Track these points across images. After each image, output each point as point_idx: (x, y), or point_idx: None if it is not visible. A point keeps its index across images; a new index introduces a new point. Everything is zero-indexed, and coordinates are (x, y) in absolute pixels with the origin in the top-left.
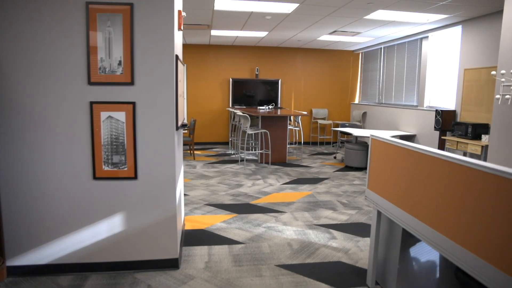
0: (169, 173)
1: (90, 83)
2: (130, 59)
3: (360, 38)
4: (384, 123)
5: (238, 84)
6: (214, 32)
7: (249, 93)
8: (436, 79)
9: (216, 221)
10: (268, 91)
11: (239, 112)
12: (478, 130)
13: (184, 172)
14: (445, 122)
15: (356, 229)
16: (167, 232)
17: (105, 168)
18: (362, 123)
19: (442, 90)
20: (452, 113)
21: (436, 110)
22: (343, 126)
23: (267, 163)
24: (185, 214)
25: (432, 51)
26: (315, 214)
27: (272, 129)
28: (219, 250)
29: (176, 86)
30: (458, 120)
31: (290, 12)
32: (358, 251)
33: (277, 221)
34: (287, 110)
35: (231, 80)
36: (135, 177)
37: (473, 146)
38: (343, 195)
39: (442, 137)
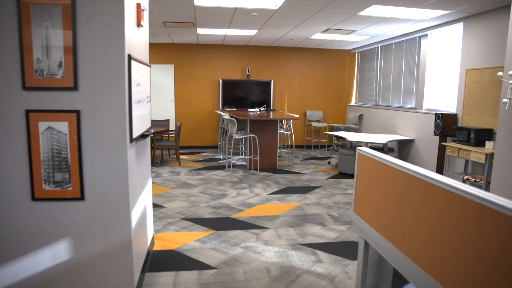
0: (122, 192)
1: (25, 88)
2: (73, 60)
3: (356, 37)
4: (381, 126)
5: (228, 85)
6: (200, 31)
7: (240, 94)
8: (436, 80)
9: (190, 240)
10: (260, 93)
11: (226, 116)
12: (481, 136)
13: (166, 180)
14: (446, 126)
15: (345, 249)
16: (121, 260)
17: (46, 187)
18: (358, 126)
19: (442, 92)
20: (453, 116)
21: (436, 114)
22: (338, 129)
23: (256, 169)
24: (157, 231)
25: (431, 50)
26: (301, 230)
27: (261, 133)
28: (187, 277)
29: (130, 91)
30: (460, 124)
31: (277, 8)
32: (346, 278)
33: (257, 240)
34: (279, 113)
35: (221, 81)
36: (81, 198)
37: (476, 154)
38: (334, 207)
39: (443, 143)
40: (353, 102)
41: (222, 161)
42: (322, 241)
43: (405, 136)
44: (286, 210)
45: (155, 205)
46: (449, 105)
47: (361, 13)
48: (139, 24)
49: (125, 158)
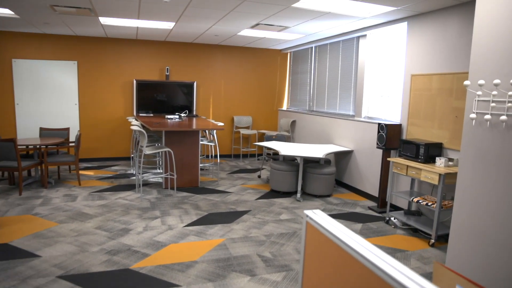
0: None
1: None
2: None
3: (289, 35)
4: (316, 135)
5: (144, 87)
6: (105, 21)
7: (159, 97)
8: (377, 86)
9: None
10: (181, 96)
11: (134, 125)
12: (431, 151)
13: (55, 209)
14: (390, 138)
15: None
16: None
17: None
18: (290, 133)
19: (384, 100)
20: (398, 128)
21: (380, 124)
22: (269, 138)
23: (173, 189)
24: None
25: (371, 52)
26: (222, 285)
27: (179, 146)
28: None
29: None
30: (405, 136)
31: None
32: None
33: None
34: (201, 121)
35: (135, 82)
36: None
37: (428, 173)
38: (266, 242)
39: (388, 159)
40: (285, 107)
41: (134, 177)
42: None
43: (343, 146)
44: (206, 252)
45: (24, 255)
46: (391, 114)
47: (296, 4)
48: None
49: None
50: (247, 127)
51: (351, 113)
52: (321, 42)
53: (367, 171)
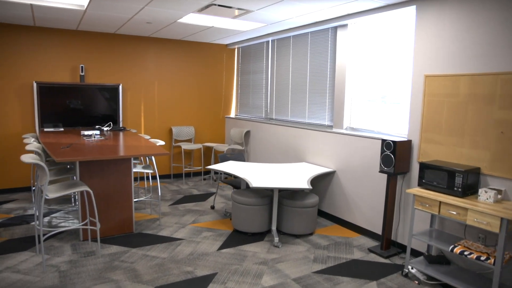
0: None
1: None
2: None
3: (245, 23)
4: (280, 150)
5: (49, 92)
6: None
7: (73, 104)
8: (363, 90)
9: None
10: (102, 103)
11: (26, 157)
12: (470, 180)
13: None
14: (399, 159)
15: None
16: None
17: None
18: (244, 147)
19: (375, 107)
20: (407, 145)
21: (385, 141)
22: (224, 158)
23: (95, 240)
24: None
25: (354, 47)
26: None
27: (102, 179)
28: None
29: None
30: (416, 156)
31: None
32: None
33: None
34: (133, 138)
35: (35, 85)
36: None
37: (481, 216)
38: None
39: (407, 191)
40: (233, 114)
41: (37, 222)
42: None
43: (321, 166)
44: None
45: None
46: (387, 125)
47: None
48: None
49: None
50: (189, 140)
51: (327, 122)
52: (282, 34)
53: (357, 199)
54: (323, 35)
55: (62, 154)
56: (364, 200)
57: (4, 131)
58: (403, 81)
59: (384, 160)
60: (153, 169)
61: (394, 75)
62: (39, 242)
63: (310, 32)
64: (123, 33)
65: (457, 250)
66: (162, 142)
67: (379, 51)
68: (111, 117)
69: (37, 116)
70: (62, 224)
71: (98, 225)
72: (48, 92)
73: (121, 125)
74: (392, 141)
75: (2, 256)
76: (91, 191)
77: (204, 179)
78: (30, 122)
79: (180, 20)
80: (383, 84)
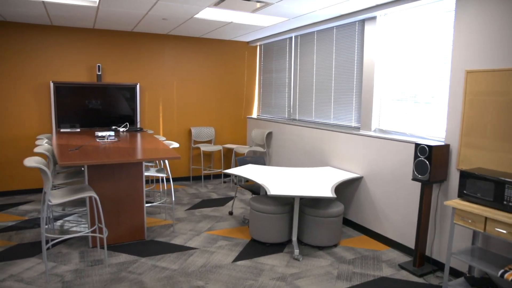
0: None
1: None
2: None
3: (265, 18)
4: (304, 152)
5: (66, 92)
6: None
7: (92, 105)
8: (393, 88)
9: None
10: (120, 103)
11: (30, 161)
12: None
13: None
14: (436, 166)
15: None
16: None
17: None
18: (266, 149)
19: (407, 107)
20: (445, 150)
21: (419, 146)
22: (242, 161)
23: (103, 247)
24: None
25: (383, 41)
26: None
27: (112, 183)
28: None
29: None
30: (455, 163)
31: None
32: None
33: None
34: (148, 140)
35: (52, 85)
36: None
37: None
38: None
39: (445, 203)
40: (255, 115)
41: (47, 226)
42: None
43: (347, 171)
44: None
45: None
46: (421, 128)
47: None
48: None
49: None
50: (209, 142)
51: (354, 124)
52: (305, 29)
53: (387, 208)
54: (349, 29)
55: (68, 157)
56: (394, 209)
57: (21, 131)
58: (439, 78)
59: (418, 166)
60: (167, 172)
61: (428, 72)
62: (47, 248)
63: (336, 26)
64: (140, 31)
65: (509, 276)
66: (176, 145)
67: (411, 45)
68: (128, 117)
69: (53, 116)
70: (74, 229)
71: (106, 232)
72: (64, 92)
73: (138, 126)
74: (427, 145)
75: (8, 262)
76: (96, 197)
77: (225, 182)
78: (47, 123)
79: (196, 16)
80: (416, 81)
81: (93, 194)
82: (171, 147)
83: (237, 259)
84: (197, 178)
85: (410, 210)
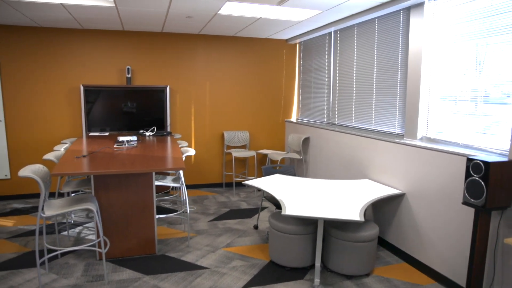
0: None
1: None
2: None
3: (295, 11)
4: (341, 162)
5: (96, 96)
6: None
7: (120, 108)
8: (444, 89)
9: None
10: (149, 106)
11: (27, 170)
12: None
13: None
14: (494, 188)
15: None
16: None
17: None
18: (302, 155)
19: (460, 111)
20: (507, 168)
21: (473, 161)
22: (268, 171)
23: (112, 260)
24: None
25: (432, 33)
26: None
27: (119, 192)
28: None
29: None
30: None
31: None
32: None
33: None
34: (167, 144)
35: (82, 88)
36: None
37: None
38: None
39: (506, 240)
40: (294, 118)
41: (66, 232)
42: None
43: (387, 185)
44: None
45: None
46: (478, 137)
47: None
48: None
49: None
50: (243, 147)
51: (397, 130)
52: (344, 23)
53: (432, 233)
54: (392, 20)
55: (64, 166)
56: (442, 236)
57: (55, 134)
58: (502, 78)
59: (470, 187)
60: (181, 181)
61: (488, 69)
62: (55, 258)
63: (377, 17)
64: (169, 31)
65: None
66: (192, 152)
67: (467, 36)
68: (159, 120)
69: (84, 120)
70: (90, 237)
71: (107, 246)
72: (94, 95)
73: (168, 129)
74: (483, 161)
75: (14, 271)
76: (94, 209)
77: (259, 190)
78: (79, 127)
79: (220, 12)
80: (471, 80)
81: (91, 206)
82: (185, 154)
83: (249, 284)
84: (230, 185)
85: (462, 239)
